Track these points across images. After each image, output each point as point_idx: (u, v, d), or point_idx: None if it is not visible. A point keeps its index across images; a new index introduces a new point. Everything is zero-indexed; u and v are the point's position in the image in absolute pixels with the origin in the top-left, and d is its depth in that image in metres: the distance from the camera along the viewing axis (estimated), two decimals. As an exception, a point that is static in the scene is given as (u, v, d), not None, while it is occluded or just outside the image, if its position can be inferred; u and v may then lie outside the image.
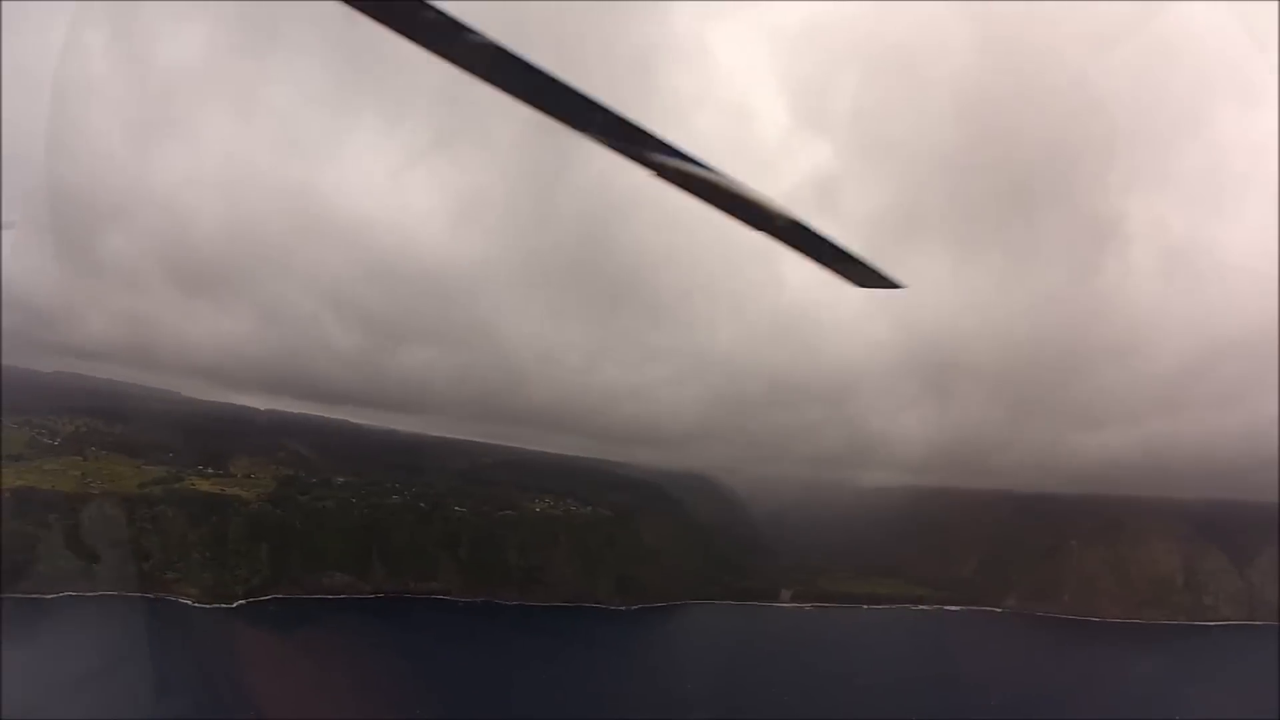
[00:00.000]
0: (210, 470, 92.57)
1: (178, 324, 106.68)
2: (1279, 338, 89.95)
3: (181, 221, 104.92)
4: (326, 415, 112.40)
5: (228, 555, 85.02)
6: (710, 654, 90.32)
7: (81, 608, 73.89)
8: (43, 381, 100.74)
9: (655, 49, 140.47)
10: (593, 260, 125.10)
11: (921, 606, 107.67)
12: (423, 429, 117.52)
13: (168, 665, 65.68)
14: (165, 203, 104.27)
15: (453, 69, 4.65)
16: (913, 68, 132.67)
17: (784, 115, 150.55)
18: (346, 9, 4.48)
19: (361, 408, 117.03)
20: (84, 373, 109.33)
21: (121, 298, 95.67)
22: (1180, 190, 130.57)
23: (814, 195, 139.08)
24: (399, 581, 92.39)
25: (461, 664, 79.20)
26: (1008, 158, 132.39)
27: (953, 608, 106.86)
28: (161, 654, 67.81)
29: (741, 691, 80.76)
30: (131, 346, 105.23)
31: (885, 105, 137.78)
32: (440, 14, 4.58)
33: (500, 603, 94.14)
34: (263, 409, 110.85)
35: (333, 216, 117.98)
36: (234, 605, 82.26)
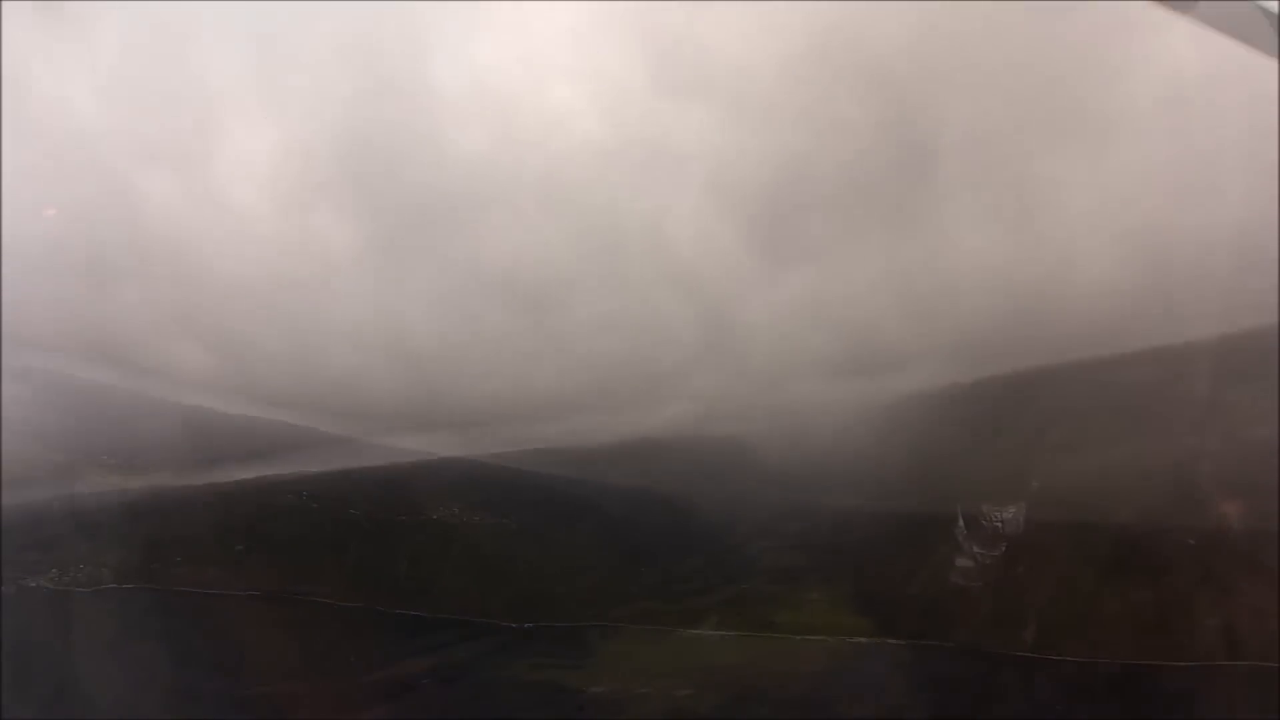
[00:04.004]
0: (110, 460, 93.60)
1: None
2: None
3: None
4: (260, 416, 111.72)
5: (99, 540, 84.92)
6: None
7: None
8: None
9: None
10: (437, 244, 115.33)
11: (859, 639, 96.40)
12: (361, 434, 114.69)
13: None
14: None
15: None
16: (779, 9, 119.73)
17: (640, 76, 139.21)
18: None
19: (303, 409, 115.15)
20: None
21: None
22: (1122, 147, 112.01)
23: (681, 164, 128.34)
24: (276, 581, 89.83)
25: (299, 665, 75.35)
26: (906, 113, 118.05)
27: (894, 641, 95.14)
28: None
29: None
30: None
31: (751, 56, 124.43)
32: None
33: (379, 610, 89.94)
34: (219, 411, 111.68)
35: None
36: (92, 590, 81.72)
